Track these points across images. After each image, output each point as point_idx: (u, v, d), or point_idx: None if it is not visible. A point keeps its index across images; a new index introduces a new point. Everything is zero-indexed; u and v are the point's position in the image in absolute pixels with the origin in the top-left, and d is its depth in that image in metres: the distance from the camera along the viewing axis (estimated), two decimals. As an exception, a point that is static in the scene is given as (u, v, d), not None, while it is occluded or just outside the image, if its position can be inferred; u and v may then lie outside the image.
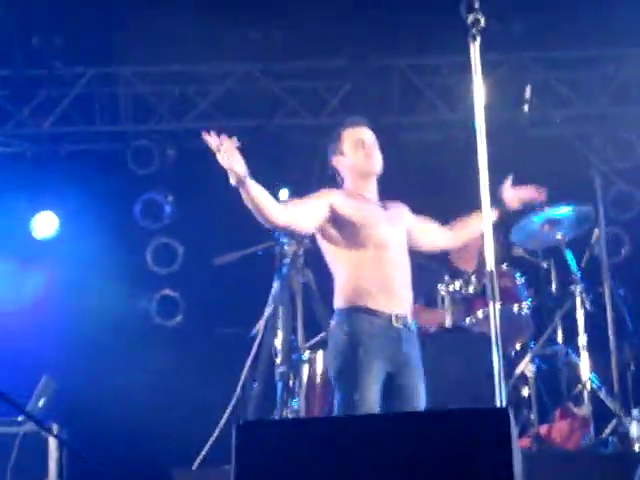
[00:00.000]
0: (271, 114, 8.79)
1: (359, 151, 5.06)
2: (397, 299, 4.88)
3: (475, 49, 3.94)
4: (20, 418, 6.53)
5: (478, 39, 3.94)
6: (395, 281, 4.89)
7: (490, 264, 3.85)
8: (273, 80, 8.76)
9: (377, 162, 5.08)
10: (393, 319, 4.84)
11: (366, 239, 4.90)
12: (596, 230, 6.69)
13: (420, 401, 4.86)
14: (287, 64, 8.74)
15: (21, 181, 8.65)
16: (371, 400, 4.71)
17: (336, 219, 4.93)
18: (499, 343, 3.76)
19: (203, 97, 8.80)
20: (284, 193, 6.38)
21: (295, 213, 4.85)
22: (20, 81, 8.63)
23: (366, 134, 5.13)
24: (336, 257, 4.98)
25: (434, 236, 5.30)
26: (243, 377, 6.56)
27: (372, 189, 5.09)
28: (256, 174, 8.06)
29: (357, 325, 4.83)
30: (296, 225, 4.91)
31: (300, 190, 5.60)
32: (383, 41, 8.26)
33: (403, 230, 5.07)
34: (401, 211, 5.17)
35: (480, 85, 3.92)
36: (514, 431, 3.12)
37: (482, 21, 3.92)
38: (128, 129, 8.82)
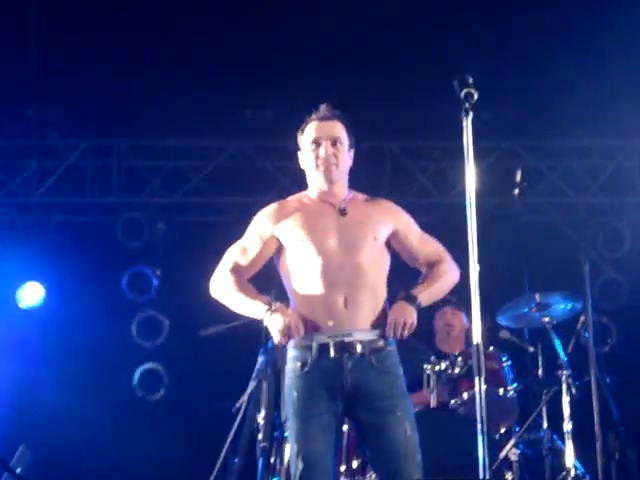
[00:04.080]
0: (264, 191, 8.83)
1: (313, 154, 4.50)
2: (345, 315, 4.32)
3: (468, 124, 3.97)
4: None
5: (471, 114, 3.97)
6: (342, 290, 4.33)
7: (477, 338, 3.82)
8: (266, 158, 8.82)
9: (329, 174, 4.46)
10: (331, 348, 4.32)
11: (305, 258, 4.40)
12: (582, 317, 6.68)
13: (397, 441, 4.27)
14: (280, 142, 8.79)
15: (9, 250, 8.62)
16: (313, 452, 4.27)
17: (278, 247, 4.53)
18: (484, 418, 3.72)
19: (196, 172, 8.84)
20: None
21: (247, 273, 4.59)
22: (13, 151, 8.68)
23: (328, 132, 4.51)
24: (286, 283, 4.53)
25: (411, 261, 4.66)
26: (224, 452, 6.48)
27: (335, 189, 4.50)
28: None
29: (289, 363, 4.46)
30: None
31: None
32: (375, 122, 8.33)
33: (370, 228, 4.44)
34: (380, 212, 4.53)
35: (472, 161, 3.94)
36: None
37: (475, 95, 3.96)
38: (119, 201, 8.83)
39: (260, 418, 6.38)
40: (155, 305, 8.75)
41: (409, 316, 4.38)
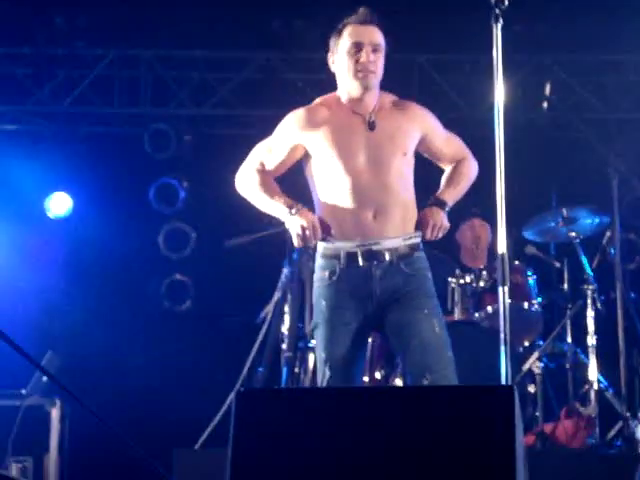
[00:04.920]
0: (291, 104, 8.76)
1: (351, 60, 4.36)
2: (374, 226, 4.30)
3: (497, 31, 3.91)
4: (23, 391, 6.54)
5: (501, 21, 3.91)
6: (371, 207, 4.29)
7: (502, 248, 3.82)
8: (294, 70, 8.74)
9: (366, 81, 4.34)
10: (359, 256, 4.31)
11: (333, 174, 4.35)
12: (608, 232, 6.65)
13: (425, 336, 4.23)
14: (308, 54, 8.70)
15: (38, 160, 8.64)
16: (340, 359, 4.26)
17: (305, 154, 4.46)
18: (507, 330, 3.74)
19: (223, 84, 8.78)
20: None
21: (274, 173, 4.53)
22: (41, 59, 8.61)
23: (370, 37, 4.37)
24: (312, 189, 4.47)
25: (435, 160, 4.63)
26: (249, 361, 6.56)
27: (367, 97, 4.38)
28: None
29: (317, 272, 4.42)
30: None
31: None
32: (404, 36, 8.22)
33: (399, 144, 4.35)
34: (409, 121, 4.42)
35: (501, 72, 3.90)
36: (518, 410, 3.08)
37: (506, 1, 3.90)
38: (147, 112, 8.79)
39: (284, 328, 6.45)
40: (182, 217, 8.75)
41: (443, 220, 4.42)
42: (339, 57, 4.45)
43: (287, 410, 3.19)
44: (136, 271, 8.62)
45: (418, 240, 4.39)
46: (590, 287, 6.51)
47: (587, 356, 6.44)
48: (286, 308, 6.45)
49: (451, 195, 4.55)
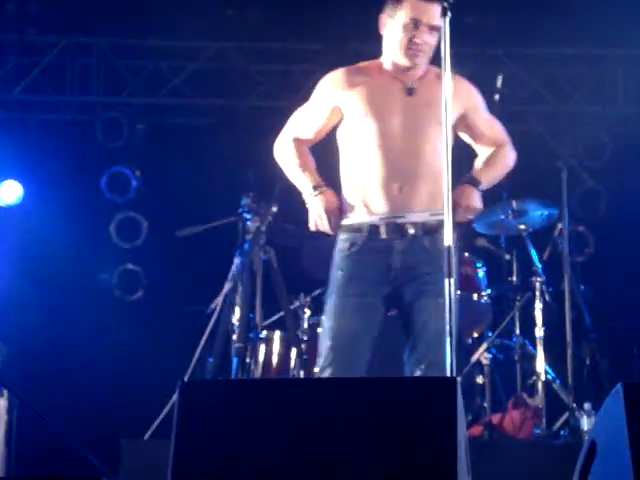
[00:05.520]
0: (245, 94, 8.75)
1: (406, 37, 4.28)
2: (400, 199, 4.22)
3: (445, 24, 3.90)
4: (-29, 380, 6.48)
5: (449, 14, 3.91)
6: (400, 177, 4.22)
7: (448, 240, 3.81)
8: (248, 60, 8.71)
9: (415, 60, 4.27)
10: (382, 229, 4.26)
11: (365, 136, 4.28)
12: (559, 225, 6.70)
13: (433, 330, 4.08)
14: (263, 44, 8.69)
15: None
16: (346, 331, 4.19)
17: (341, 118, 4.37)
18: (452, 322, 3.74)
19: (176, 73, 8.73)
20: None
21: (312, 140, 4.46)
22: (-9, 45, 8.54)
23: (429, 16, 4.21)
24: (342, 159, 4.40)
25: (472, 141, 4.56)
26: (198, 352, 6.54)
27: (414, 70, 4.32)
28: (226, 154, 8.16)
29: (338, 244, 4.33)
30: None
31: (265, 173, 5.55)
32: (361, 26, 8.21)
33: (436, 113, 3.94)
34: (452, 90, 3.95)
35: (449, 66, 3.88)
36: (460, 401, 3.10)
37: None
38: (99, 101, 8.73)
39: (235, 319, 6.44)
40: (134, 206, 8.71)
41: (477, 201, 4.36)
42: (393, 27, 4.35)
43: (232, 401, 3.18)
44: (88, 260, 8.55)
45: None
46: (539, 279, 6.57)
47: (535, 348, 6.49)
48: (237, 299, 6.42)
49: (487, 177, 4.46)
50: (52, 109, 8.82)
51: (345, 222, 4.33)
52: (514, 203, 6.64)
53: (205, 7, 8.12)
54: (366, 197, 4.27)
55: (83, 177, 8.63)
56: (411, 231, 4.23)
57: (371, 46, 8.36)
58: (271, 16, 8.40)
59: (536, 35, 8.37)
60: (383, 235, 4.23)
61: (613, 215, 8.59)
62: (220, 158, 8.24)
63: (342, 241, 4.32)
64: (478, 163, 4.54)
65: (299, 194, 4.56)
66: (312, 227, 4.40)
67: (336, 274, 4.29)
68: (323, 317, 4.39)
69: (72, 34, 8.58)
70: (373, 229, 4.25)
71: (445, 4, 3.88)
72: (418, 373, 4.20)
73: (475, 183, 4.40)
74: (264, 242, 6.35)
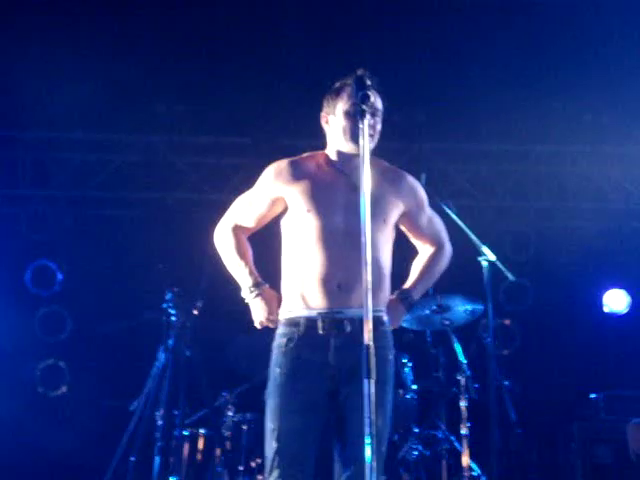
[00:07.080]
0: (174, 187, 8.76)
1: (349, 120, 4.31)
2: (338, 295, 4.18)
3: (364, 126, 3.93)
4: None
5: (367, 116, 3.95)
6: (339, 272, 4.18)
7: (368, 338, 3.78)
8: (176, 153, 8.75)
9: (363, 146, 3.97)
10: (319, 324, 4.21)
11: (307, 230, 4.26)
12: (484, 320, 6.74)
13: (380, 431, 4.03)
14: (191, 138, 8.74)
15: None
16: (291, 430, 4.10)
17: (285, 209, 4.37)
18: (373, 421, 3.70)
19: (104, 166, 8.72)
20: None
21: (253, 228, 4.47)
22: None
23: (371, 101, 4.03)
24: (284, 249, 4.37)
25: (412, 237, 4.61)
26: (121, 450, 6.42)
27: (357, 160, 4.08)
28: (153, 247, 8.11)
29: (276, 339, 4.28)
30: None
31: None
32: (289, 121, 8.30)
33: (380, 210, 4.21)
34: (395, 192, 4.34)
35: (368, 164, 3.89)
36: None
37: (371, 98, 3.95)
38: (25, 193, 8.68)
39: (159, 417, 6.34)
40: (59, 300, 8.60)
41: (400, 319, 4.42)
42: (336, 118, 4.38)
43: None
44: (10, 354, 8.40)
45: (384, 314, 4.29)
46: (464, 375, 6.56)
47: (461, 443, 6.46)
48: (161, 396, 6.34)
49: (422, 289, 4.55)
50: (-22, 201, 8.75)
51: (283, 316, 4.30)
52: (439, 298, 6.67)
53: (134, 101, 8.15)
54: (305, 291, 4.24)
55: (8, 270, 8.53)
56: (348, 328, 4.18)
57: (301, 141, 8.52)
58: (199, 110, 8.45)
59: (461, 131, 8.52)
60: (320, 330, 4.19)
61: (538, 308, 8.68)
62: (148, 251, 8.19)
63: (279, 335, 4.27)
64: (415, 271, 4.58)
65: (225, 289, 4.54)
66: (257, 325, 4.37)
67: (274, 372, 4.23)
68: (265, 416, 4.26)
69: (-1, 128, 8.56)
70: (310, 323, 4.20)
71: (363, 107, 3.91)
72: (347, 474, 4.14)
73: (406, 301, 4.44)
74: (189, 338, 6.30)
